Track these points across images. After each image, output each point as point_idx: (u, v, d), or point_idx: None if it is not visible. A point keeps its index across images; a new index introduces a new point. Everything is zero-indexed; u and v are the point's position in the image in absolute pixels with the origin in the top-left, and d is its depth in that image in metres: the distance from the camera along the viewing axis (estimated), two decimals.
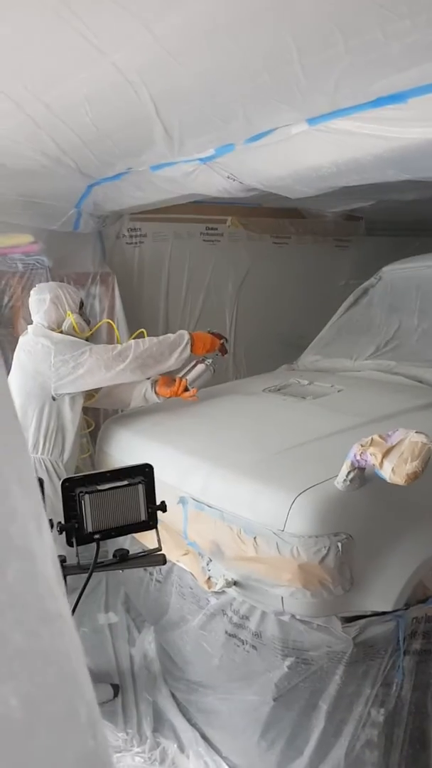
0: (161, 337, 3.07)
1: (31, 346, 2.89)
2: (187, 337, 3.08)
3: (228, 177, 2.99)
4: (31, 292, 3.14)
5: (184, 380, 3.13)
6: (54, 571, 0.40)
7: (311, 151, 2.51)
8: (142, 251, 4.67)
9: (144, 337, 3.10)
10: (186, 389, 3.11)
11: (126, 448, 3.02)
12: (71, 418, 2.93)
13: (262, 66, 1.93)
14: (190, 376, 3.15)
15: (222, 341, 3.22)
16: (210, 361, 3.20)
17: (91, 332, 3.23)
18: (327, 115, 2.26)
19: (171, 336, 3.08)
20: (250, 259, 5.12)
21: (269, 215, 5.11)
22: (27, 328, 3.07)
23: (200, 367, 3.18)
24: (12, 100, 2.25)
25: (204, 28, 1.72)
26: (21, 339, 2.99)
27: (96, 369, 2.85)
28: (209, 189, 3.21)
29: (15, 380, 2.87)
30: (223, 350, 3.24)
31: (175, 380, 3.16)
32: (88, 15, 1.66)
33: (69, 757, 0.36)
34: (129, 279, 4.59)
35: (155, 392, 3.18)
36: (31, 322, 3.15)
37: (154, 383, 3.19)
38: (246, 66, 1.94)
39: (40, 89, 2.18)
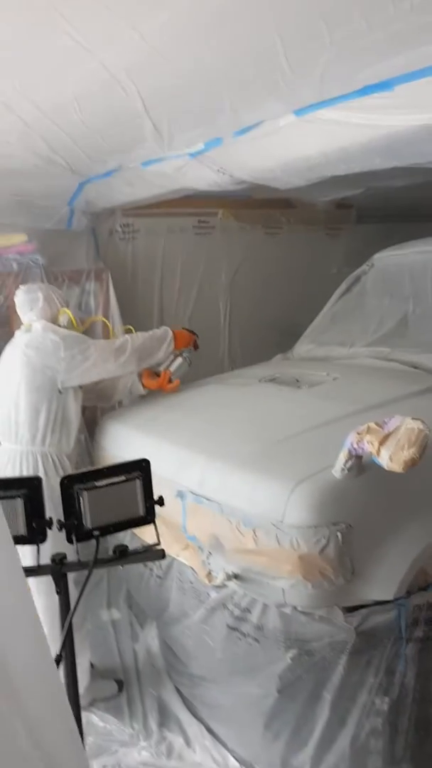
0: (149, 333, 3.29)
1: (40, 342, 2.95)
2: (170, 332, 3.33)
3: (218, 170, 2.98)
4: (19, 292, 3.19)
5: (167, 372, 3.33)
6: None
7: (299, 141, 2.51)
8: (135, 246, 4.66)
9: (133, 332, 3.29)
10: (170, 380, 3.32)
11: (123, 444, 3.03)
12: (75, 411, 3.01)
13: (247, 60, 1.92)
14: (172, 368, 3.36)
15: (195, 337, 3.47)
16: (186, 354, 3.41)
17: (85, 327, 3.34)
18: (314, 105, 2.25)
19: (158, 331, 3.32)
20: (243, 250, 5.10)
21: (260, 206, 5.09)
22: (33, 326, 3.07)
23: (179, 360, 3.39)
24: (1, 101, 2.25)
25: (189, 25, 1.71)
26: (24, 337, 3.02)
27: (100, 361, 2.99)
28: (200, 183, 3.21)
29: (22, 377, 2.90)
30: (196, 345, 3.49)
31: (157, 373, 3.35)
32: (75, 16, 1.66)
33: None
34: (123, 274, 4.58)
35: (141, 384, 3.34)
36: None
37: (139, 376, 3.35)
38: (232, 60, 1.93)
39: (30, 89, 2.17)
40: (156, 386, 3.32)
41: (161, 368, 3.34)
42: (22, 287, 3.23)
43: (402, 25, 1.65)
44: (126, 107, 2.30)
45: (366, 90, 2.07)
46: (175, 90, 2.20)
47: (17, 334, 3.13)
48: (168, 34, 1.77)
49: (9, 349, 3.09)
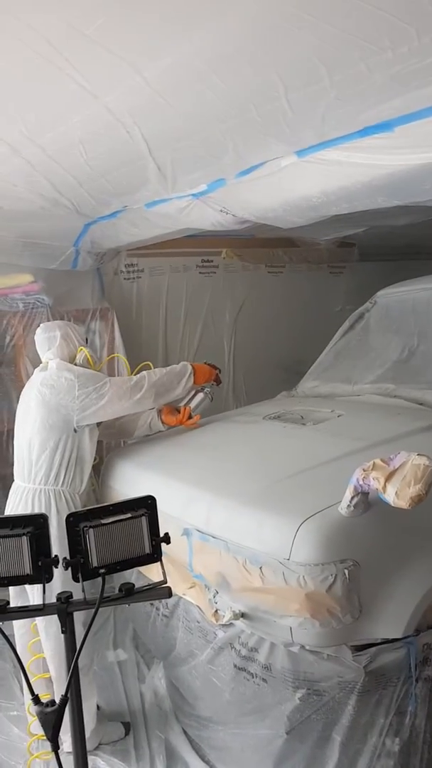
0: (167, 368, 3.24)
1: (54, 380, 2.95)
2: (190, 367, 3.27)
3: (221, 210, 3.03)
4: (38, 331, 3.19)
5: (187, 408, 3.29)
6: None
7: (301, 181, 2.55)
8: (140, 286, 4.72)
9: (150, 369, 3.25)
10: (189, 416, 3.27)
11: (129, 481, 3.02)
12: (90, 449, 3.00)
13: (249, 102, 1.97)
14: (192, 404, 3.31)
15: (217, 372, 3.42)
16: (208, 389, 3.37)
17: (102, 365, 3.34)
18: (315, 146, 2.29)
19: (176, 367, 3.27)
20: (246, 289, 5.16)
21: (263, 245, 5.17)
22: (49, 364, 3.08)
23: (200, 395, 3.35)
24: (8, 145, 2.30)
25: (192, 68, 1.76)
26: (40, 375, 3.02)
27: (116, 399, 2.97)
28: (203, 223, 3.26)
29: (37, 415, 2.91)
30: (218, 380, 3.44)
31: (178, 409, 3.30)
32: (79, 61, 1.71)
33: None
34: (128, 313, 4.63)
35: (161, 421, 3.29)
36: (34, 360, 3.20)
37: (159, 412, 3.31)
38: (234, 103, 1.98)
39: (36, 133, 2.22)
40: (176, 422, 3.28)
41: (181, 404, 3.32)
42: (42, 325, 3.24)
43: (400, 68, 1.69)
44: (130, 150, 2.36)
45: (367, 131, 2.12)
46: (179, 132, 2.24)
47: (35, 372, 3.14)
48: (171, 78, 1.81)
49: (26, 387, 3.10)
